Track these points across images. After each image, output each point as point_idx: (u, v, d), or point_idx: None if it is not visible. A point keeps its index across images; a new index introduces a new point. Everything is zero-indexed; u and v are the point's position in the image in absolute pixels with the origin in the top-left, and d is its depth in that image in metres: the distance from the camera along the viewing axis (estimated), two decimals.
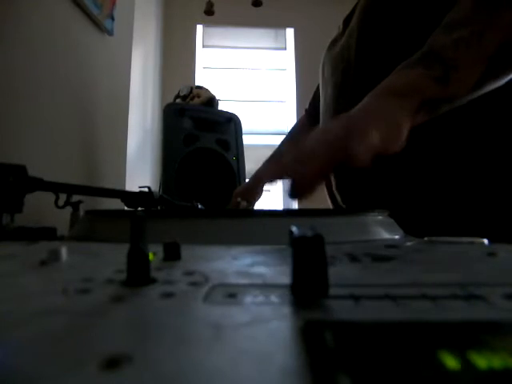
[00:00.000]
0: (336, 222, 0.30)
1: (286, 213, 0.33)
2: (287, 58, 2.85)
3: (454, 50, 0.39)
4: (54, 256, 0.19)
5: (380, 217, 0.34)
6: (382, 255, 0.20)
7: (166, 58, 2.65)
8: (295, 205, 1.95)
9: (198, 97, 1.54)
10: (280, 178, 0.74)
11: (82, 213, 0.52)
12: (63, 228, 0.47)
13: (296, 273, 0.12)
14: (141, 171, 1.90)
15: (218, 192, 1.27)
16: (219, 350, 0.09)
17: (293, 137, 0.92)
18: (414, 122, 0.39)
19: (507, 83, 0.44)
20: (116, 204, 0.55)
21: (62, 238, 0.36)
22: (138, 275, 0.14)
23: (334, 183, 0.63)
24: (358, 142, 0.34)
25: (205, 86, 1.65)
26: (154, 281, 0.14)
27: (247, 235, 0.26)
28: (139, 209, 0.51)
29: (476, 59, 0.39)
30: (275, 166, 0.89)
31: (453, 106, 0.41)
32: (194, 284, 0.14)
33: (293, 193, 0.36)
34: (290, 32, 2.85)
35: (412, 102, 0.38)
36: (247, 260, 0.18)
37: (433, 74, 0.38)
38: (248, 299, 0.12)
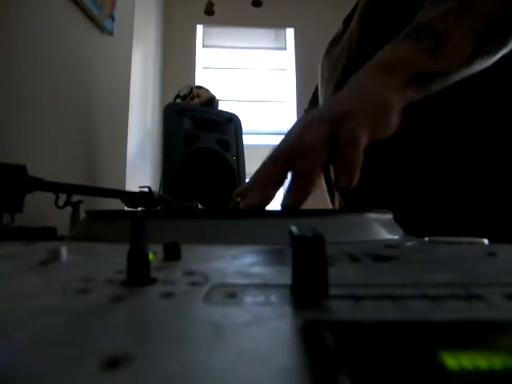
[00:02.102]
0: (336, 221, 0.30)
1: (286, 213, 0.33)
2: (287, 58, 2.85)
3: (443, 21, 0.38)
4: (54, 256, 0.19)
5: (380, 217, 0.34)
6: (382, 255, 0.20)
7: (166, 58, 2.65)
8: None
9: (198, 97, 1.54)
10: None
11: (82, 213, 0.52)
12: (63, 228, 0.47)
13: (296, 273, 0.12)
14: (141, 171, 1.90)
15: (218, 192, 1.27)
16: (219, 350, 0.09)
17: None
18: (406, 98, 0.37)
19: (506, 83, 0.44)
20: (116, 204, 0.55)
21: (62, 238, 0.36)
22: (138, 275, 0.14)
23: (334, 183, 0.63)
24: (346, 166, 0.32)
25: (205, 86, 1.65)
26: (154, 281, 0.14)
27: (247, 235, 0.26)
28: (139, 209, 0.51)
29: (466, 30, 0.37)
30: None
31: (445, 84, 0.40)
32: (194, 284, 0.14)
33: (286, 201, 0.33)
34: (290, 32, 2.85)
35: (401, 77, 0.36)
36: (247, 260, 0.18)
37: (422, 46, 0.37)
38: (248, 299, 0.12)
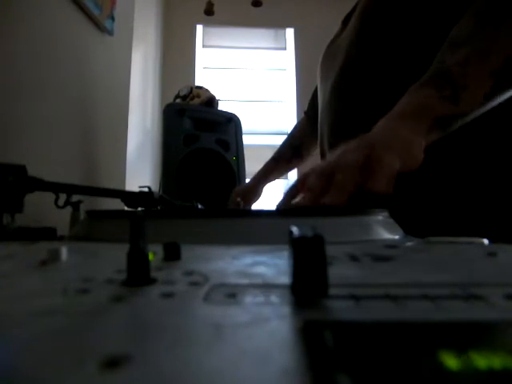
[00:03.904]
0: (336, 222, 0.30)
1: (286, 213, 0.33)
2: (287, 58, 2.85)
3: (461, 69, 0.40)
4: (54, 256, 0.19)
5: (380, 217, 0.34)
6: (382, 255, 0.20)
7: (166, 58, 2.65)
8: None
9: (198, 97, 1.54)
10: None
11: (82, 213, 0.52)
12: (63, 228, 0.47)
13: (296, 273, 0.12)
14: (141, 171, 1.90)
15: (218, 192, 1.27)
16: (219, 350, 0.09)
17: (293, 139, 0.92)
18: (429, 140, 0.40)
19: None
20: (116, 204, 0.54)
21: (61, 238, 0.36)
22: (137, 275, 0.14)
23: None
24: (380, 175, 0.35)
25: (205, 86, 1.65)
26: (153, 281, 0.14)
27: (247, 235, 0.26)
28: (139, 209, 0.51)
29: (484, 76, 0.39)
30: (275, 169, 0.90)
31: (464, 121, 0.42)
32: (193, 284, 0.14)
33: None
34: (289, 32, 2.85)
35: (424, 123, 0.39)
36: (247, 260, 0.18)
37: (442, 94, 0.39)
38: (248, 299, 0.12)
